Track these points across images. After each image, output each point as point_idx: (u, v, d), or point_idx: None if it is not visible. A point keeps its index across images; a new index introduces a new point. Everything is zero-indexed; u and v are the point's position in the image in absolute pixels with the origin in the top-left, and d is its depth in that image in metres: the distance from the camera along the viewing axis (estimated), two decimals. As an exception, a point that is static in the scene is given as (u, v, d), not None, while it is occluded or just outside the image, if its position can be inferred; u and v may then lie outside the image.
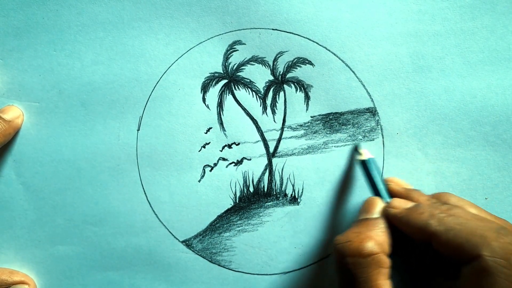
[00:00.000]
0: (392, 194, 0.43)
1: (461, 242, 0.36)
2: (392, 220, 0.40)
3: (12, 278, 0.45)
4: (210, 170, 0.47)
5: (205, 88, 0.47)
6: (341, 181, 0.47)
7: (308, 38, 0.47)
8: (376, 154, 0.47)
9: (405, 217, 0.39)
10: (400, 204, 0.41)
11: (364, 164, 0.45)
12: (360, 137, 0.47)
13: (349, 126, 0.47)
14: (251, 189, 0.48)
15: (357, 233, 0.39)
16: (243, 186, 0.47)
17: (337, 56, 0.47)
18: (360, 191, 0.47)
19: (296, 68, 0.47)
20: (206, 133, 0.47)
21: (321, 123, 0.47)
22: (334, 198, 0.47)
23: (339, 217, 0.47)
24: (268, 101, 0.47)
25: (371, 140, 0.47)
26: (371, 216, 0.41)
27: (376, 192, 0.43)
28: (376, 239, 0.38)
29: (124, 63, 0.47)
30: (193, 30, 0.47)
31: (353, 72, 0.47)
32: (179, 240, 0.47)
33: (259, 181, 0.48)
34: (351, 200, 0.47)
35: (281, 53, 0.47)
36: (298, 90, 0.47)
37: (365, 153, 0.45)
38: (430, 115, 0.47)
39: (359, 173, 0.47)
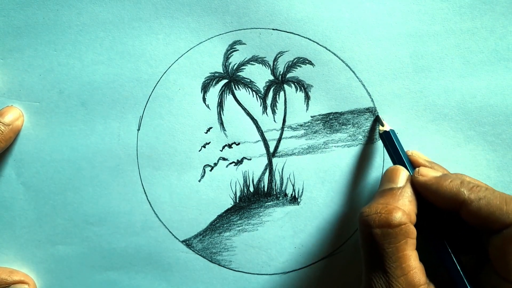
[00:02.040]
0: (416, 165, 0.43)
1: (493, 210, 0.36)
2: (420, 189, 0.40)
3: (12, 278, 0.45)
4: (210, 170, 0.47)
5: (205, 88, 0.47)
6: (341, 181, 0.47)
7: (308, 38, 0.47)
8: (376, 154, 0.47)
9: (435, 185, 0.39)
10: (429, 173, 0.40)
11: (387, 135, 0.45)
12: (360, 137, 0.47)
13: (349, 126, 0.47)
14: (251, 189, 0.48)
15: (385, 204, 0.38)
16: (243, 186, 0.47)
17: (337, 56, 0.47)
18: (360, 191, 0.47)
19: (296, 68, 0.47)
20: (206, 133, 0.47)
21: (321, 123, 0.47)
22: (334, 198, 0.47)
23: (339, 217, 0.47)
24: (268, 101, 0.47)
25: (371, 141, 0.47)
26: (396, 186, 0.41)
27: (399, 162, 0.43)
28: (403, 209, 0.38)
29: (125, 63, 0.47)
30: (194, 30, 0.47)
31: (353, 72, 0.47)
32: (179, 240, 0.47)
33: (259, 181, 0.48)
34: (351, 200, 0.47)
35: (281, 53, 0.47)
36: (298, 90, 0.47)
37: (386, 125, 0.45)
38: (430, 115, 0.47)
39: (358, 173, 0.47)
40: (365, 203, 0.47)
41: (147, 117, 0.47)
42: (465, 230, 0.40)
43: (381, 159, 0.47)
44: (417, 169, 0.41)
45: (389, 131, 0.45)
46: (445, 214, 0.39)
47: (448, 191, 0.38)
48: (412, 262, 0.37)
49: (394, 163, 0.44)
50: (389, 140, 0.44)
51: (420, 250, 0.39)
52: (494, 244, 0.36)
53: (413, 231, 0.38)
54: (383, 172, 0.44)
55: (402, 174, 0.41)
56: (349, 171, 0.47)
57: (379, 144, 0.47)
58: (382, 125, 0.45)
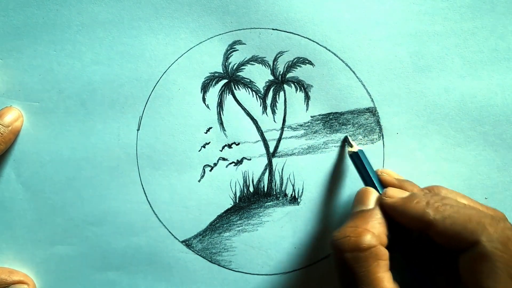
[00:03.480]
0: (385, 184, 0.43)
1: (458, 230, 0.36)
2: (388, 210, 0.40)
3: (12, 278, 0.45)
4: (210, 170, 0.47)
5: (205, 88, 0.47)
6: (341, 181, 0.47)
7: (308, 38, 0.47)
8: (376, 154, 0.47)
9: (402, 206, 0.39)
10: (396, 193, 0.40)
11: (356, 156, 0.45)
12: (360, 137, 0.47)
13: (349, 126, 0.47)
14: (251, 189, 0.48)
15: (354, 227, 0.39)
16: (243, 186, 0.47)
17: (337, 56, 0.47)
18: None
19: (296, 68, 0.47)
20: (206, 133, 0.47)
21: (321, 123, 0.47)
22: (334, 198, 0.47)
23: (339, 217, 0.47)
24: (268, 101, 0.47)
25: (371, 141, 0.47)
26: (366, 208, 0.41)
27: (369, 183, 0.43)
28: (373, 231, 0.38)
29: (124, 63, 0.47)
30: (193, 30, 0.47)
31: (353, 72, 0.47)
32: (179, 240, 0.47)
33: (259, 181, 0.48)
34: (351, 200, 0.47)
35: (281, 53, 0.47)
36: (298, 90, 0.47)
37: (355, 145, 0.45)
38: (430, 115, 0.47)
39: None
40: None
41: (147, 117, 0.47)
42: (437, 249, 0.40)
43: (381, 160, 0.47)
44: (384, 190, 0.41)
45: (357, 151, 0.45)
46: (416, 234, 0.39)
47: (414, 212, 0.38)
48: (386, 284, 0.37)
49: (365, 183, 0.44)
50: (358, 161, 0.44)
51: (395, 270, 0.39)
52: (463, 263, 0.36)
53: (384, 253, 0.38)
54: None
55: (372, 196, 0.41)
56: (349, 171, 0.47)
57: (379, 144, 0.47)
58: (351, 146, 0.45)
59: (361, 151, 0.45)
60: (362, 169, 0.44)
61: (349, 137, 0.46)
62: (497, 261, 0.34)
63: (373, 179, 0.43)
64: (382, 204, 0.40)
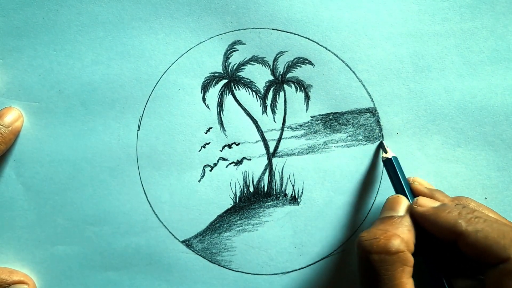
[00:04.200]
0: (416, 193, 0.43)
1: (490, 244, 0.36)
2: (418, 219, 0.40)
3: (12, 278, 0.45)
4: (210, 170, 0.47)
5: (205, 88, 0.47)
6: (341, 181, 0.47)
7: (308, 38, 0.47)
8: (376, 154, 0.47)
9: (433, 216, 0.39)
10: (427, 203, 0.41)
11: (389, 162, 0.45)
12: (360, 137, 0.47)
13: (349, 126, 0.47)
14: (251, 189, 0.48)
15: (384, 230, 0.39)
16: (243, 186, 0.47)
17: (337, 56, 0.47)
18: (361, 191, 0.47)
19: (296, 68, 0.47)
20: (206, 133, 0.47)
21: (321, 123, 0.47)
22: (334, 198, 0.47)
23: (339, 217, 0.47)
24: (268, 101, 0.47)
25: (371, 141, 0.47)
26: (396, 214, 0.41)
27: (400, 191, 0.43)
28: (402, 237, 0.38)
29: (124, 63, 0.47)
30: (193, 30, 0.47)
31: (353, 72, 0.47)
32: (179, 240, 0.47)
33: (259, 181, 0.48)
34: (351, 200, 0.47)
35: (281, 53, 0.47)
36: (298, 90, 0.47)
37: (390, 151, 0.45)
38: (430, 115, 0.47)
39: (358, 173, 0.47)
40: (365, 204, 0.47)
41: (147, 117, 0.47)
42: (463, 260, 0.40)
43: (381, 160, 0.47)
44: (415, 199, 0.41)
45: (391, 158, 0.45)
46: (444, 244, 0.39)
47: (446, 222, 0.38)
48: None
49: (396, 190, 0.44)
50: (391, 167, 0.44)
51: (418, 278, 0.39)
52: (491, 277, 0.36)
53: (410, 259, 0.38)
54: (385, 198, 0.44)
55: (403, 204, 0.42)
56: (349, 171, 0.47)
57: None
58: (385, 152, 0.45)
59: (395, 157, 0.45)
60: (394, 176, 0.44)
61: (384, 143, 0.46)
62: None
63: (404, 187, 0.43)
64: (412, 213, 0.41)
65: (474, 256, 0.37)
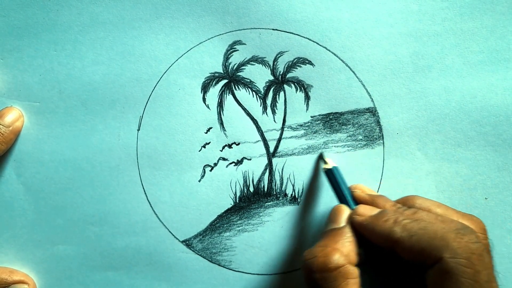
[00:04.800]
0: (358, 201, 0.43)
1: (423, 247, 0.36)
2: (358, 228, 0.40)
3: (12, 278, 0.45)
4: (210, 170, 0.47)
5: (205, 88, 0.47)
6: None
7: (308, 38, 0.47)
8: (376, 154, 0.47)
9: (370, 225, 0.39)
10: (365, 211, 0.41)
11: (329, 173, 0.45)
12: (360, 137, 0.47)
13: (349, 126, 0.47)
14: (251, 189, 0.48)
15: (323, 246, 0.39)
16: (243, 186, 0.47)
17: (337, 56, 0.47)
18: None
19: (296, 68, 0.47)
20: (206, 133, 0.47)
21: (321, 123, 0.47)
22: (334, 198, 0.47)
23: (339, 217, 0.47)
24: (268, 101, 0.47)
25: (371, 141, 0.47)
26: (337, 226, 0.41)
27: (342, 200, 0.43)
28: (342, 251, 0.38)
29: (125, 63, 0.47)
30: (193, 30, 0.47)
31: (353, 72, 0.47)
32: (179, 240, 0.47)
33: (259, 181, 0.48)
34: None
35: (281, 53, 0.47)
36: (298, 90, 0.47)
37: (330, 162, 0.45)
38: (430, 115, 0.47)
39: (358, 173, 0.47)
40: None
41: (147, 117, 0.47)
42: (408, 266, 0.39)
43: (381, 160, 0.47)
44: (355, 208, 0.41)
45: (332, 168, 0.45)
46: (388, 251, 0.39)
47: (382, 230, 0.38)
48: None
49: (340, 201, 0.44)
50: (332, 178, 0.44)
51: (368, 286, 0.39)
52: (429, 279, 0.36)
53: (352, 272, 0.38)
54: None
55: (344, 214, 0.41)
56: (349, 171, 0.47)
57: (379, 144, 0.47)
58: (325, 163, 0.45)
59: (336, 167, 0.45)
60: (336, 186, 0.44)
61: (323, 154, 0.46)
62: (461, 276, 0.34)
63: (346, 196, 0.43)
64: (352, 222, 0.40)
65: (412, 261, 0.37)
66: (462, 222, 0.38)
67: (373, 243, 0.39)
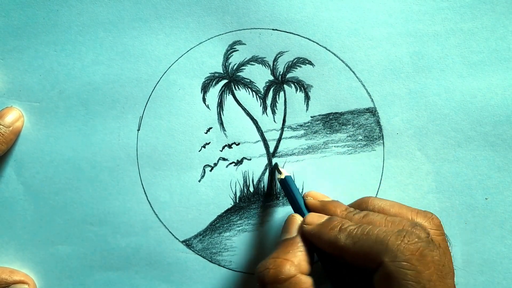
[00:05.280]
0: (309, 208, 0.43)
1: (365, 252, 0.36)
2: (307, 237, 0.40)
3: (12, 278, 0.45)
4: (210, 170, 0.47)
5: (205, 88, 0.47)
6: (341, 181, 0.47)
7: (308, 38, 0.47)
8: (376, 155, 0.47)
9: (318, 233, 0.39)
10: (313, 220, 0.41)
11: (283, 182, 0.45)
12: (360, 137, 0.47)
13: (349, 126, 0.47)
14: (251, 189, 0.48)
15: (275, 258, 0.39)
16: (243, 186, 0.47)
17: (337, 56, 0.47)
18: (360, 191, 0.47)
19: (296, 68, 0.47)
20: (206, 133, 0.47)
21: (321, 123, 0.47)
22: (334, 198, 0.47)
23: (339, 217, 0.47)
24: (268, 101, 0.47)
25: (371, 141, 0.47)
26: (290, 236, 0.41)
27: (296, 209, 0.43)
28: (292, 261, 0.38)
29: (125, 63, 0.47)
30: (193, 30, 0.47)
31: (353, 72, 0.47)
32: (179, 240, 0.47)
33: (259, 181, 0.48)
34: (351, 200, 0.47)
35: (281, 53, 0.47)
36: (298, 90, 0.47)
37: (283, 172, 0.45)
38: (430, 115, 0.47)
39: (358, 173, 0.47)
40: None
41: (147, 117, 0.47)
42: (358, 271, 0.40)
43: (381, 160, 0.47)
44: (305, 217, 0.41)
45: (285, 178, 0.45)
46: (336, 257, 0.40)
47: (327, 238, 0.38)
48: None
49: (294, 210, 0.44)
50: (286, 187, 0.44)
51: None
52: (376, 283, 0.36)
53: (305, 281, 0.38)
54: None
55: (295, 224, 0.41)
56: (348, 171, 0.47)
57: (379, 144, 0.47)
58: (280, 173, 0.45)
59: (289, 177, 0.45)
60: (289, 195, 0.44)
61: (278, 164, 0.47)
62: (402, 279, 0.34)
63: (300, 204, 0.43)
64: (302, 232, 0.41)
65: (358, 266, 0.37)
66: (413, 221, 0.38)
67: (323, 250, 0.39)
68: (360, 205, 0.42)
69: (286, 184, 0.44)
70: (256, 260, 0.47)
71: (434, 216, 0.40)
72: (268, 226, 0.47)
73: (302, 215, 0.42)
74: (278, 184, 0.47)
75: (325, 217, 0.41)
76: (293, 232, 0.41)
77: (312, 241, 0.40)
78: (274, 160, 0.48)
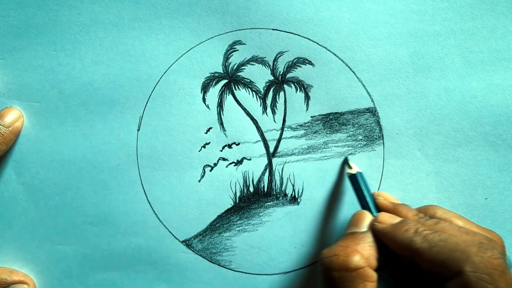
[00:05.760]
0: (380, 208, 0.43)
1: (444, 259, 0.36)
2: (378, 235, 0.40)
3: (12, 278, 0.45)
4: (210, 170, 0.47)
5: (205, 88, 0.47)
6: (341, 181, 0.47)
7: (308, 38, 0.47)
8: (376, 154, 0.47)
9: (391, 233, 0.39)
10: (387, 219, 0.41)
11: (353, 178, 0.45)
12: (360, 137, 0.47)
13: (349, 126, 0.47)
14: (251, 189, 0.48)
15: (344, 247, 0.39)
16: (243, 186, 0.47)
17: (337, 56, 0.47)
18: (360, 191, 0.47)
19: (296, 68, 0.47)
20: (206, 133, 0.47)
21: (321, 123, 0.47)
22: (334, 198, 0.47)
23: (339, 217, 0.47)
24: (268, 101, 0.47)
25: (371, 141, 0.47)
26: (359, 230, 0.41)
27: (365, 206, 0.44)
28: (362, 253, 0.38)
29: (124, 63, 0.47)
30: (193, 30, 0.47)
31: (353, 72, 0.47)
32: (179, 240, 0.47)
33: (259, 181, 0.48)
34: (351, 200, 0.47)
35: (281, 53, 0.47)
36: (298, 90, 0.47)
37: (354, 167, 0.45)
38: (430, 115, 0.47)
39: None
40: (365, 203, 0.47)
41: (147, 117, 0.47)
42: (425, 276, 0.39)
43: (381, 160, 0.47)
44: (376, 215, 0.42)
45: (356, 174, 0.45)
46: (404, 259, 0.40)
47: (402, 240, 0.38)
48: None
49: (362, 206, 0.44)
50: (356, 183, 0.45)
51: None
52: None
53: (371, 275, 0.38)
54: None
55: (366, 220, 0.42)
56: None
57: (379, 144, 0.47)
58: (350, 168, 0.45)
59: (360, 173, 0.45)
60: (359, 191, 0.44)
61: (348, 158, 0.46)
62: None
63: (369, 202, 0.44)
64: (373, 229, 0.41)
65: (431, 271, 0.37)
66: (486, 236, 0.38)
67: (392, 250, 0.39)
68: (425, 212, 0.42)
69: (357, 180, 0.44)
70: (256, 260, 0.47)
71: (498, 236, 0.41)
72: (268, 226, 0.47)
73: (371, 213, 0.43)
74: (278, 184, 0.47)
75: (398, 218, 0.41)
76: (362, 227, 0.41)
77: (382, 240, 0.40)
78: (274, 160, 0.48)
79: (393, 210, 0.43)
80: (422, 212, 0.42)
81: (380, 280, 0.39)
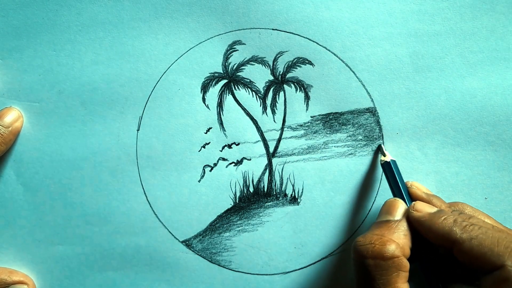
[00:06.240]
0: (413, 198, 0.43)
1: (484, 251, 0.36)
2: (414, 224, 0.40)
3: (12, 278, 0.45)
4: (210, 170, 0.47)
5: (205, 88, 0.47)
6: (341, 180, 0.47)
7: (308, 38, 0.47)
8: (376, 154, 0.47)
9: (429, 222, 0.39)
10: (424, 208, 0.41)
11: (388, 166, 0.45)
12: (360, 137, 0.47)
13: (349, 126, 0.47)
14: (251, 189, 0.48)
15: (380, 235, 0.39)
16: (243, 186, 0.47)
17: (337, 56, 0.47)
18: (361, 191, 0.47)
19: (296, 68, 0.47)
20: (206, 133, 0.47)
21: (321, 123, 0.47)
22: (334, 198, 0.47)
23: (339, 217, 0.47)
24: (268, 101, 0.47)
25: (371, 141, 0.47)
26: (393, 218, 0.41)
27: (398, 194, 0.43)
28: (397, 242, 0.39)
29: (124, 63, 0.47)
30: (193, 30, 0.47)
31: (353, 72, 0.47)
32: (179, 240, 0.47)
33: (259, 181, 0.48)
34: (351, 200, 0.47)
35: (281, 53, 0.47)
36: (298, 90, 0.47)
37: (388, 155, 0.45)
38: (430, 115, 0.47)
39: (358, 173, 0.47)
40: (365, 204, 0.47)
41: (147, 117, 0.47)
42: (459, 266, 0.40)
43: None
44: (413, 203, 0.42)
45: (390, 161, 0.45)
46: (440, 249, 0.39)
47: (441, 229, 0.38)
48: None
49: (394, 194, 0.44)
50: (389, 171, 0.44)
51: (415, 283, 0.39)
52: (486, 284, 0.36)
53: (405, 265, 0.38)
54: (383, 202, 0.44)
55: (400, 208, 0.42)
56: (348, 171, 0.47)
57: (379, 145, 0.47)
58: (384, 155, 0.45)
59: (394, 161, 0.45)
60: (392, 179, 0.44)
61: (383, 146, 0.46)
62: None
63: (402, 191, 0.43)
64: (409, 217, 0.41)
65: (469, 263, 0.37)
66: None
67: (426, 240, 0.40)
68: (454, 208, 0.42)
69: (390, 168, 0.44)
70: (256, 260, 0.47)
71: None
72: (268, 226, 0.47)
73: (404, 201, 0.43)
74: (278, 184, 0.47)
75: (435, 208, 0.41)
76: (396, 215, 0.41)
77: (419, 229, 0.40)
78: (274, 160, 0.47)
79: (427, 200, 0.42)
80: (453, 207, 0.42)
81: (410, 270, 0.39)
